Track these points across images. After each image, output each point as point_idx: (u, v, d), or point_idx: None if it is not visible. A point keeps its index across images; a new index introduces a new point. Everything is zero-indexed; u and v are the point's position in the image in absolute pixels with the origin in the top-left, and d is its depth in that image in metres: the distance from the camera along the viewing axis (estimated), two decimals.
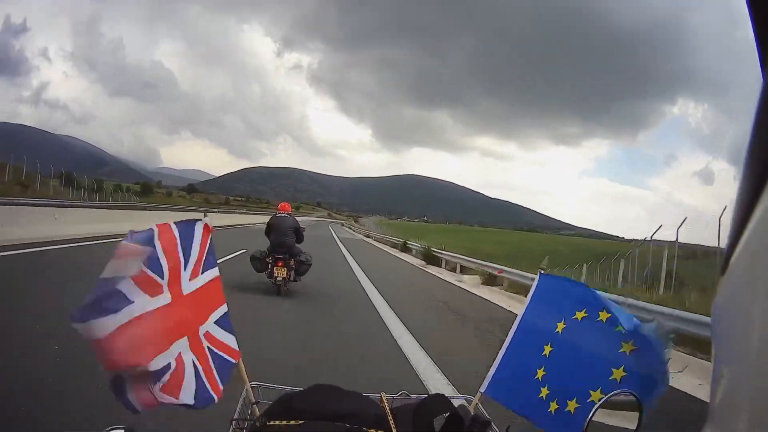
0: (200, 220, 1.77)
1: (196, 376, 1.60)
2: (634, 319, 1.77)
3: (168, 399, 1.48)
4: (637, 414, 1.49)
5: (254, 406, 1.90)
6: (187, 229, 1.68)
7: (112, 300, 1.33)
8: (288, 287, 11.36)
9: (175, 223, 1.64)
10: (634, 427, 1.48)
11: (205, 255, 1.75)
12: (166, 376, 1.47)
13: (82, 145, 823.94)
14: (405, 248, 36.48)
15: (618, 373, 1.68)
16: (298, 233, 11.72)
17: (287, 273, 11.20)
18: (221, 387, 1.71)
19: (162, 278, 1.49)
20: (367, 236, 67.03)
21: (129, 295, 1.37)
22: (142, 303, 1.41)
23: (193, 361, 1.61)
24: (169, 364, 1.49)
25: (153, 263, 1.46)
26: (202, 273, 1.73)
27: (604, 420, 1.51)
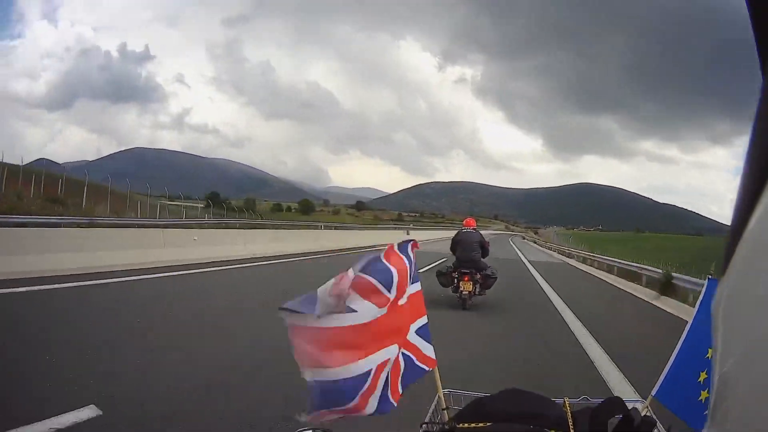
0: (413, 239, 1.86)
1: (384, 386, 1.64)
2: None
3: (351, 410, 1.52)
4: None
5: (444, 411, 1.95)
6: (405, 246, 1.79)
7: (332, 304, 1.44)
8: (472, 301, 11.32)
9: (397, 244, 1.76)
10: None
11: (411, 269, 1.82)
12: (366, 384, 1.52)
13: (238, 167, 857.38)
14: (666, 287, 16.95)
15: None
16: (484, 248, 11.64)
17: (473, 287, 11.17)
18: (401, 392, 1.74)
19: (390, 292, 1.58)
20: (566, 255, 45.01)
21: (352, 304, 1.46)
22: (365, 311, 1.50)
23: (388, 371, 1.66)
24: (370, 370, 1.54)
25: (384, 276, 1.57)
26: (410, 285, 1.80)
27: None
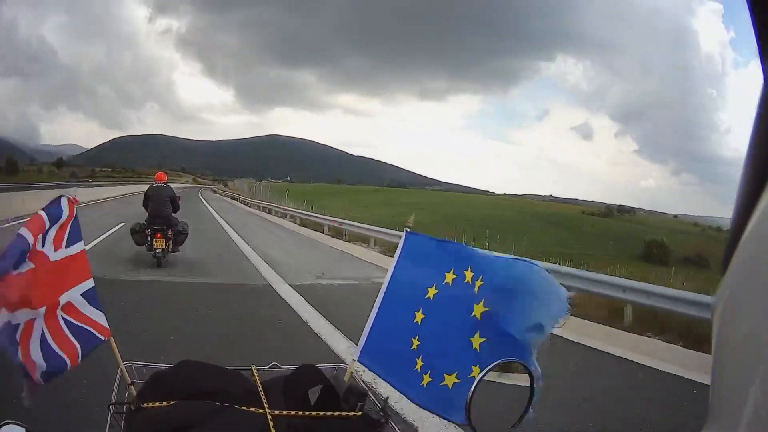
0: (64, 195, 1.81)
1: (45, 345, 1.62)
2: (505, 259, 1.70)
3: (24, 360, 1.56)
4: (527, 379, 1.43)
5: (130, 386, 1.85)
6: (54, 206, 1.76)
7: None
8: (167, 259, 11.14)
9: (44, 209, 1.74)
10: (528, 396, 1.43)
11: (69, 227, 1.80)
12: (18, 337, 1.55)
13: None
14: None
15: (476, 341, 1.60)
16: (174, 203, 11.46)
17: (166, 244, 10.95)
18: (80, 358, 1.74)
19: (28, 247, 1.59)
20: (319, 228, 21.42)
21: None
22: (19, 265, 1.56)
23: (43, 330, 1.63)
24: (18, 325, 1.55)
25: (19, 240, 1.58)
26: (66, 246, 1.77)
27: (495, 392, 1.48)
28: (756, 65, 0.73)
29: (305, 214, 26.68)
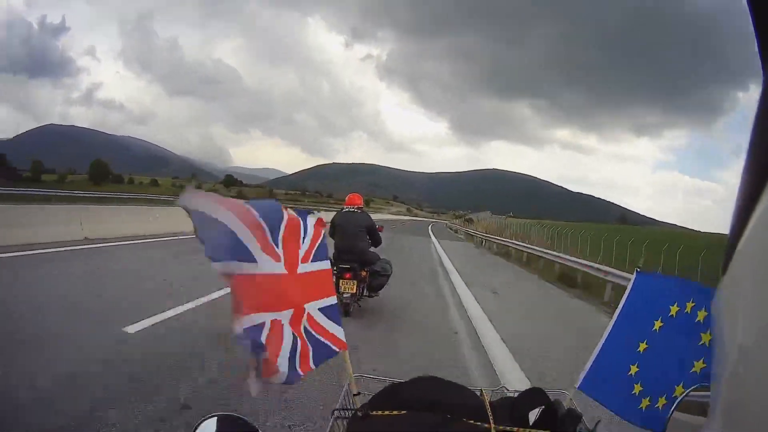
0: (314, 212, 1.95)
1: (292, 350, 1.68)
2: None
3: (266, 368, 1.57)
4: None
5: (356, 397, 1.94)
6: (302, 217, 1.87)
7: (240, 251, 1.56)
8: (360, 305, 8.70)
9: (294, 209, 1.86)
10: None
11: (317, 245, 1.91)
12: (263, 338, 1.57)
13: (142, 145, 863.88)
14: None
15: (698, 366, 1.68)
16: (373, 234, 8.84)
17: (357, 288, 8.40)
18: (312, 368, 1.77)
19: (279, 250, 1.69)
20: None
21: (255, 254, 1.59)
22: (265, 264, 1.62)
23: (293, 335, 1.70)
24: (266, 324, 1.59)
25: (274, 234, 1.68)
26: (312, 261, 1.88)
27: (684, 414, 1.47)
28: None
29: None
